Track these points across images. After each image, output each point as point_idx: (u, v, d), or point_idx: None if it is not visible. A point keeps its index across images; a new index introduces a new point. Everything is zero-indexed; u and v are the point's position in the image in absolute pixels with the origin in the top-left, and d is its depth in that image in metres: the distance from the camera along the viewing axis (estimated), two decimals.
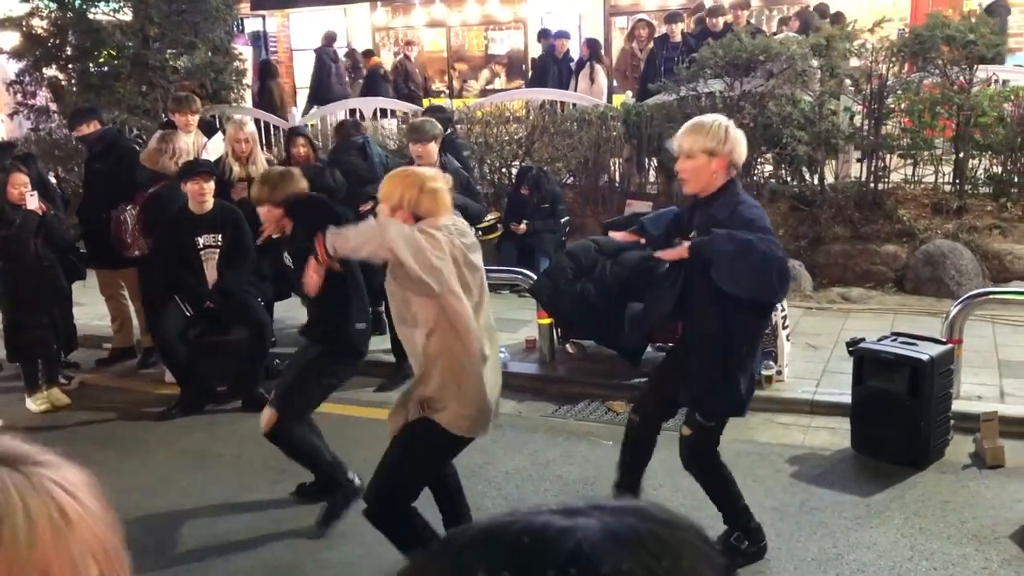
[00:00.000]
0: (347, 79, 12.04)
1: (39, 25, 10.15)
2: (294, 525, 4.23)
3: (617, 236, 3.95)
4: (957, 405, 4.78)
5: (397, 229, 3.16)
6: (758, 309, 3.51)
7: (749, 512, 3.78)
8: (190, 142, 6.68)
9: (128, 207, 6.34)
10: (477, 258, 3.37)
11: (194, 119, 6.84)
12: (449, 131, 7.66)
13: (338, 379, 4.30)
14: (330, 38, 12.30)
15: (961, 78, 7.64)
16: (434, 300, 3.18)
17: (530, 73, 12.02)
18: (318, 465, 4.28)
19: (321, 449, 4.26)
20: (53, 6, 10.07)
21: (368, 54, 12.54)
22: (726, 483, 3.76)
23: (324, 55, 11.94)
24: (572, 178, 9.07)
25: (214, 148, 6.81)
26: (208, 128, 7.34)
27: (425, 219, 3.24)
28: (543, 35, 11.43)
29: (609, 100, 9.71)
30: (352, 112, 9.71)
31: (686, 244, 3.51)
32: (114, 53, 9.99)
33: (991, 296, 5.49)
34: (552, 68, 10.70)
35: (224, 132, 6.90)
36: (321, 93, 11.65)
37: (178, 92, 7.71)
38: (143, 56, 9.89)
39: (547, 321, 6.09)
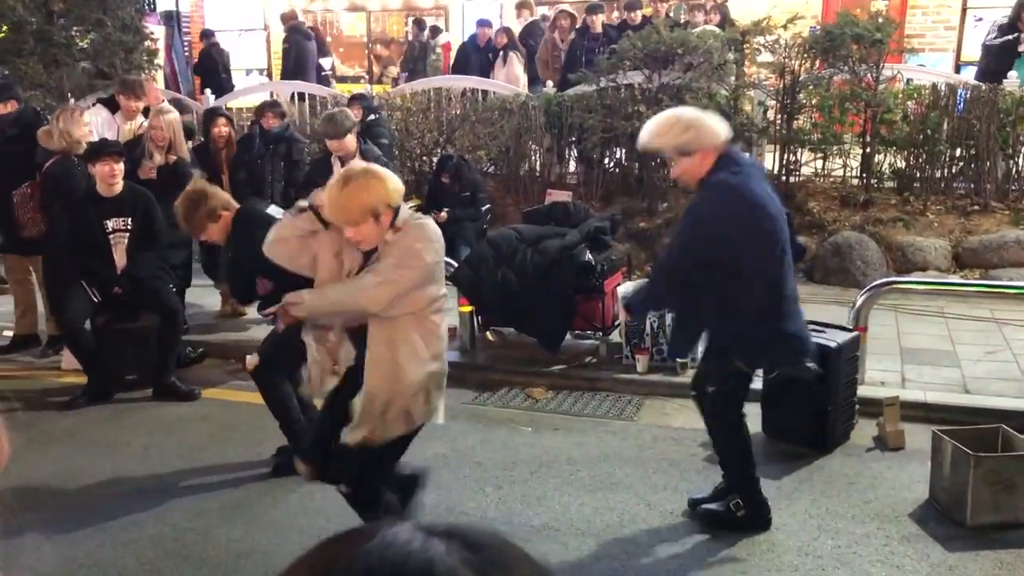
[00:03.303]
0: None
1: None
2: (205, 514, 4.14)
3: None
4: (862, 391, 4.95)
5: (370, 290, 3.13)
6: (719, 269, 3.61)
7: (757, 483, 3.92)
8: (132, 127, 6.53)
9: (25, 187, 6.10)
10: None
11: (140, 105, 6.65)
12: (372, 117, 7.59)
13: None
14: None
15: (869, 76, 7.91)
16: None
17: (453, 61, 11.95)
18: (282, 420, 4.39)
19: (291, 407, 4.36)
20: None
21: None
22: (742, 446, 3.90)
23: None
24: (493, 167, 9.06)
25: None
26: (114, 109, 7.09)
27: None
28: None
29: (535, 88, 9.69)
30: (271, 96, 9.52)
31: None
32: (9, 28, 9.53)
33: (894, 286, 5.68)
34: (474, 56, 10.66)
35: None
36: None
37: (126, 76, 7.50)
38: (47, 32, 9.46)
39: (468, 309, 6.09)
